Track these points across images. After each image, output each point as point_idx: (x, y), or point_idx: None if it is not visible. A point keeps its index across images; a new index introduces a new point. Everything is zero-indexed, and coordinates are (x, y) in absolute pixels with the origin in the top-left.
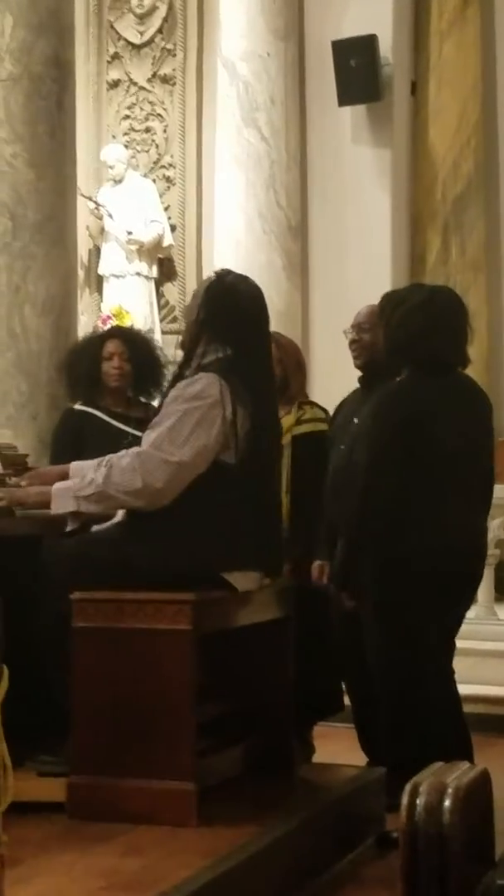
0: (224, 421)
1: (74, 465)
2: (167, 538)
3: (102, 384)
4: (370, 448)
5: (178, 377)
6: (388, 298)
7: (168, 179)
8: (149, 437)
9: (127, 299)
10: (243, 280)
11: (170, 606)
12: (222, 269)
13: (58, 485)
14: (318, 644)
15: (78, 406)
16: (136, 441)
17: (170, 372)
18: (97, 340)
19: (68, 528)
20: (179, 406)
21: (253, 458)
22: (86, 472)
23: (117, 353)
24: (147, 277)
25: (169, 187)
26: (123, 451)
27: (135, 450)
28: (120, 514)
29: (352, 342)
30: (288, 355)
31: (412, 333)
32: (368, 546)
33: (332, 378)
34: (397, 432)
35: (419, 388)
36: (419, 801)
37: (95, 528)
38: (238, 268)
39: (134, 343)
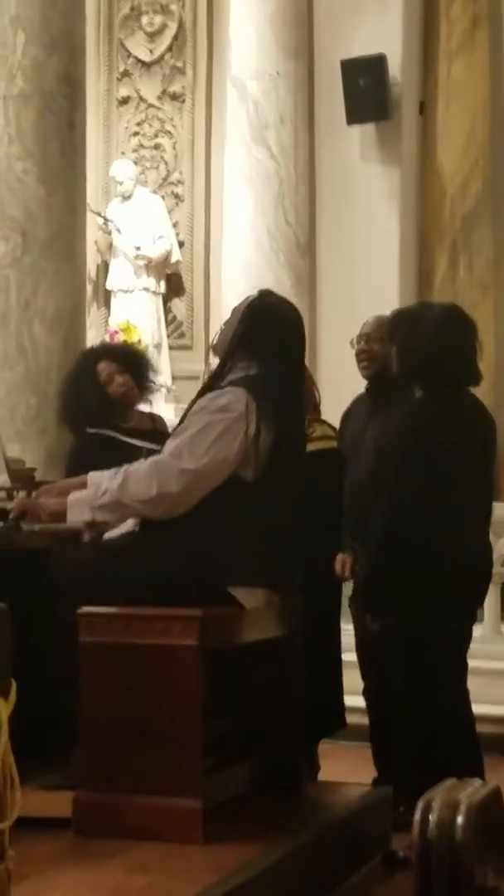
0: (246, 436)
1: (92, 475)
2: (175, 550)
3: (113, 404)
4: (396, 475)
5: (207, 388)
6: (398, 319)
7: (177, 196)
8: (169, 445)
9: (134, 314)
10: (285, 302)
11: (177, 622)
12: (265, 290)
13: (73, 495)
14: (323, 660)
15: (91, 430)
16: (153, 454)
17: (160, 372)
18: (89, 367)
19: (85, 539)
20: (204, 417)
21: (271, 477)
22: (101, 482)
23: (114, 371)
24: (154, 293)
25: (177, 204)
26: (141, 460)
27: (152, 458)
28: (131, 523)
29: (360, 352)
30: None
31: (428, 357)
32: (392, 565)
33: (341, 395)
34: (419, 451)
35: (434, 407)
36: (432, 818)
37: (107, 536)
38: (246, 285)
39: (120, 355)
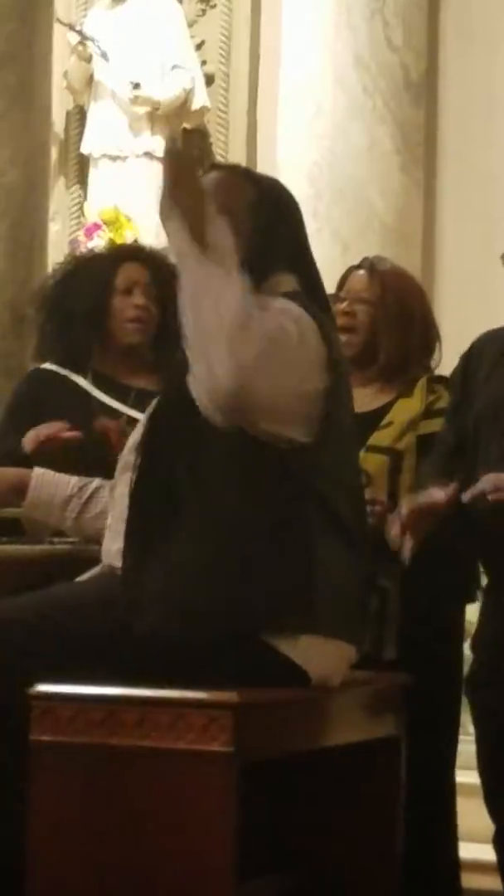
0: (322, 371)
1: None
2: (192, 585)
3: (109, 334)
4: None
5: None
6: None
7: None
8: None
9: (129, 196)
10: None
11: (196, 714)
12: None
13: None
14: (430, 784)
15: (46, 366)
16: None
17: None
18: (104, 263)
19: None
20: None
21: (337, 458)
22: None
23: (140, 286)
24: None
25: (205, 11)
26: None
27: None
28: (110, 555)
29: None
30: (393, 298)
31: None
32: None
33: (469, 333)
34: None
35: None
36: None
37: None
38: (316, 146)
39: (160, 266)
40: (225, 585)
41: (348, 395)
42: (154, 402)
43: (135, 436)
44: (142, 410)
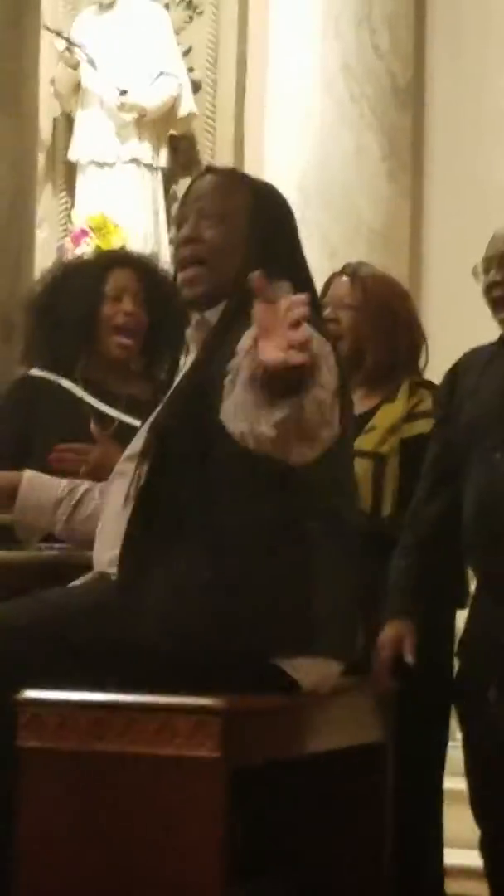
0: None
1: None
2: (189, 599)
3: (97, 343)
4: None
5: (228, 316)
6: None
7: (191, 5)
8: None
9: (116, 203)
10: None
11: (183, 720)
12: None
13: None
14: (417, 789)
15: (36, 372)
16: (128, 431)
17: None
18: (93, 269)
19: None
20: None
21: (338, 478)
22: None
23: (130, 292)
24: (151, 168)
25: (192, 18)
26: None
27: None
28: (106, 561)
29: (492, 285)
30: (376, 302)
31: None
32: None
33: (456, 340)
34: None
35: None
36: None
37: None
38: (305, 154)
39: (152, 278)
40: (222, 601)
41: (351, 406)
42: (155, 413)
43: (133, 446)
44: (133, 417)
